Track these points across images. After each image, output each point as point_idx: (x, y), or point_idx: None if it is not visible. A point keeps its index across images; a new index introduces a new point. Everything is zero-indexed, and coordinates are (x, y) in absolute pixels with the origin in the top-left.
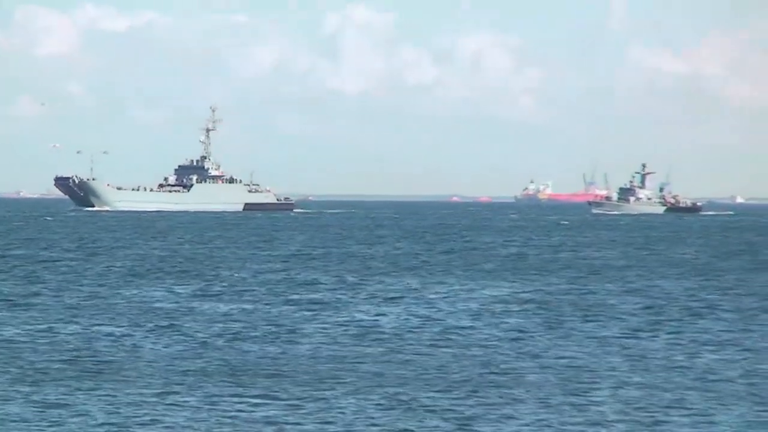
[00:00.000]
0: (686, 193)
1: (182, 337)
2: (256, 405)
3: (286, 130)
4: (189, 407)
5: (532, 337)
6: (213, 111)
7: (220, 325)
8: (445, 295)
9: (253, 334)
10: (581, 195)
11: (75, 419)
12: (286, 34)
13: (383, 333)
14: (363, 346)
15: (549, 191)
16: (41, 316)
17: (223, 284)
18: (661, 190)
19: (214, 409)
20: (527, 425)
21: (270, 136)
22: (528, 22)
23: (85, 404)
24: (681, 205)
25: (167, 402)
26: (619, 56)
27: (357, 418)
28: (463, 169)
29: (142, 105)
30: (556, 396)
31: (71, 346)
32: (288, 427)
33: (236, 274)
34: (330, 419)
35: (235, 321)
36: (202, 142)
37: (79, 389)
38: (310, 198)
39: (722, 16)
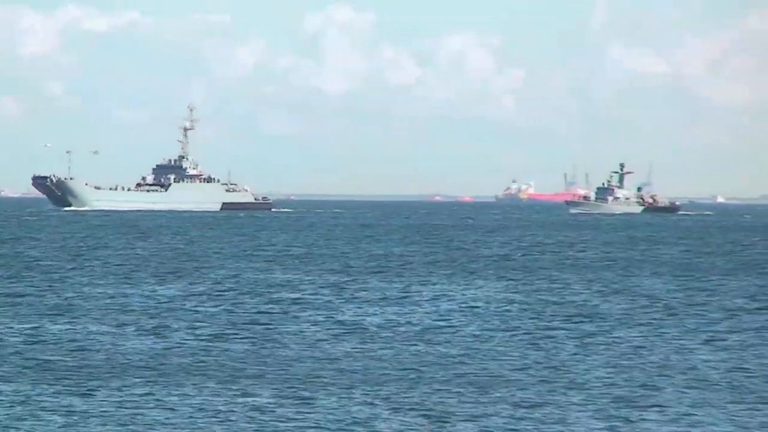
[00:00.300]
0: (668, 193)
1: (165, 336)
2: (238, 404)
3: (268, 130)
4: (171, 406)
5: (514, 335)
6: (191, 110)
7: (203, 324)
8: (427, 294)
9: (235, 332)
10: (563, 195)
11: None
12: (267, 34)
13: (366, 331)
14: (345, 344)
15: (531, 191)
16: (23, 316)
17: (207, 284)
18: (639, 189)
19: (196, 406)
20: (506, 424)
21: (252, 136)
22: (510, 23)
23: (65, 403)
24: (659, 205)
25: (149, 400)
26: (600, 57)
27: (338, 416)
28: (446, 169)
29: (123, 105)
30: (535, 395)
31: (52, 345)
32: (269, 424)
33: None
34: (313, 417)
35: (218, 320)
36: (180, 141)
37: (60, 389)
38: (291, 198)
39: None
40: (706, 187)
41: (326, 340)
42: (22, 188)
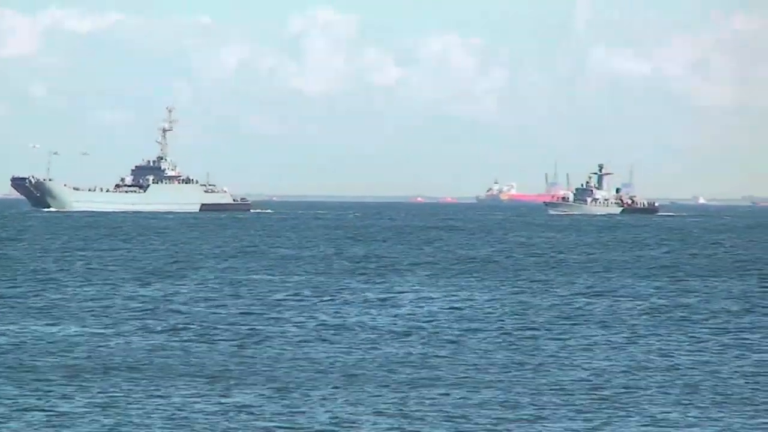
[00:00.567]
0: (650, 194)
1: (146, 337)
2: (219, 404)
3: (251, 131)
4: (152, 406)
5: (495, 336)
6: (170, 111)
7: (184, 324)
8: (410, 294)
9: (216, 332)
10: (545, 196)
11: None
12: (250, 35)
13: (347, 332)
14: (327, 345)
15: (514, 192)
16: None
17: (191, 284)
18: (618, 190)
19: (177, 406)
20: (486, 424)
21: (235, 137)
22: (492, 23)
23: (47, 404)
24: (638, 206)
25: (131, 401)
26: (583, 57)
27: (319, 416)
28: (428, 170)
29: (106, 106)
30: (516, 395)
31: (33, 345)
32: (251, 424)
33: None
34: (294, 418)
35: (200, 320)
36: (159, 142)
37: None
38: (273, 199)
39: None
40: (689, 189)
41: (309, 340)
42: (3, 189)
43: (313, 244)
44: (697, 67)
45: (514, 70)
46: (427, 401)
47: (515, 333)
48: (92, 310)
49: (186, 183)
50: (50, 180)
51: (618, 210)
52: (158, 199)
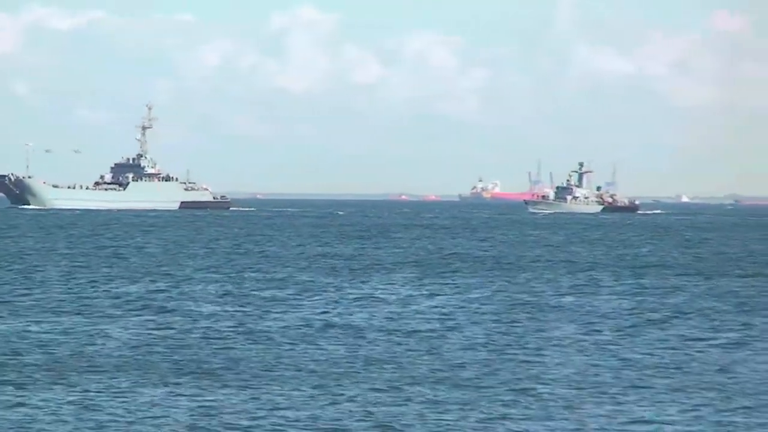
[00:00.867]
0: (632, 193)
1: (130, 334)
2: (198, 400)
3: (232, 129)
4: (132, 403)
5: (478, 333)
6: (149, 109)
7: (167, 322)
8: (396, 293)
9: (200, 329)
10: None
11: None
12: (231, 33)
13: (330, 329)
14: (310, 343)
15: (497, 190)
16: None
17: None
18: (599, 188)
19: (157, 403)
20: (468, 421)
21: (216, 135)
22: (474, 22)
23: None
24: (618, 204)
25: (111, 397)
26: (565, 56)
27: (300, 414)
28: (411, 168)
29: (87, 104)
30: (501, 393)
31: (16, 342)
32: (229, 421)
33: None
34: (274, 415)
35: (184, 317)
36: (138, 140)
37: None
38: (258, 196)
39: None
40: (673, 187)
41: (292, 338)
42: None
43: (297, 243)
44: (679, 66)
45: (497, 68)
46: (411, 399)
47: (498, 331)
48: (76, 307)
49: (166, 181)
50: (29, 177)
51: (598, 208)
52: (138, 196)
